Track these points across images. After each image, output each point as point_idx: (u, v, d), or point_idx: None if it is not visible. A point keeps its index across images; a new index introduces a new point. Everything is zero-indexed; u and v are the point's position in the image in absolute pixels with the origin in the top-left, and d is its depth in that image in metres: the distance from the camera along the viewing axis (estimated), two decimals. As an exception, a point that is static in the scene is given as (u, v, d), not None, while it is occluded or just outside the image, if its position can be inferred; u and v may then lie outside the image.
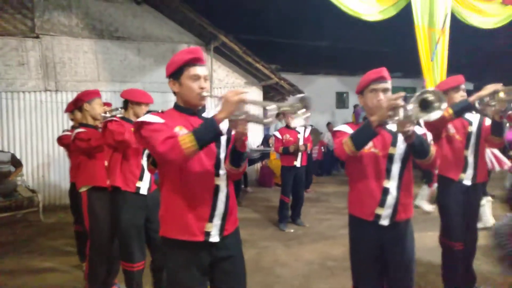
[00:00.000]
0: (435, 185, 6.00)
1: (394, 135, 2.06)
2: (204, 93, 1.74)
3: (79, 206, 3.15)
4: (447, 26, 6.28)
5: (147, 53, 7.66)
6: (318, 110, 11.66)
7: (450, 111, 2.74)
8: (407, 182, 2.09)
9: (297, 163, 5.28)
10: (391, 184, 2.05)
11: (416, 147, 1.94)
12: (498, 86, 2.58)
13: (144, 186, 2.80)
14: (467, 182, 2.91)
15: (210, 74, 8.21)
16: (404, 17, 6.14)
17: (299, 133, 5.36)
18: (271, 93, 9.29)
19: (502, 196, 6.08)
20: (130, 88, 3.18)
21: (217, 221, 1.76)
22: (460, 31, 6.61)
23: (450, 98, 2.84)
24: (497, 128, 2.73)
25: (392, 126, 1.98)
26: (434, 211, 6.04)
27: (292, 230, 5.16)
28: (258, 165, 8.66)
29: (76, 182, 3.17)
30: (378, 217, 2.08)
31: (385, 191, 2.05)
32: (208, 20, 7.46)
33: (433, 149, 2.01)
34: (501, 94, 2.54)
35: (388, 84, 2.03)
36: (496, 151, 4.90)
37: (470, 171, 2.92)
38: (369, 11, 5.72)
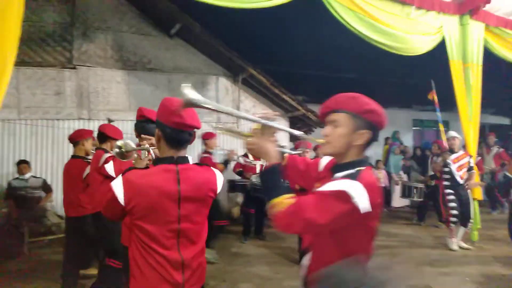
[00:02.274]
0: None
1: None
2: None
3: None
4: (480, 60, 6.19)
5: (176, 84, 7.85)
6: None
7: None
8: None
9: None
10: None
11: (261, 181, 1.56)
12: None
13: None
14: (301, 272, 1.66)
15: (237, 105, 8.31)
16: (435, 49, 6.07)
17: None
18: (298, 124, 9.25)
19: None
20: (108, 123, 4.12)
21: None
22: (496, 65, 6.45)
23: None
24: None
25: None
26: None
27: (318, 269, 4.92)
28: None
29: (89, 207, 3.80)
30: None
31: None
32: (236, 51, 7.63)
33: (280, 200, 1.42)
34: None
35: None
36: None
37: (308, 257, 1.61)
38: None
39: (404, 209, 9.53)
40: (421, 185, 7.95)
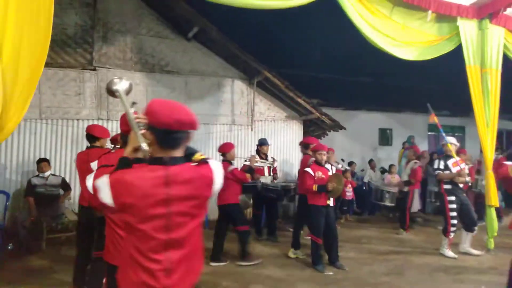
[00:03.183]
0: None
1: None
2: None
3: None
4: (499, 65, 6.11)
5: (193, 86, 7.98)
6: (360, 146, 11.41)
7: None
8: None
9: (330, 202, 5.09)
10: None
11: None
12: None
13: None
14: None
15: (251, 108, 8.37)
16: (452, 55, 6.02)
17: (329, 170, 5.22)
18: (312, 127, 9.26)
19: None
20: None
21: None
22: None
23: None
24: None
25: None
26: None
27: (331, 273, 4.91)
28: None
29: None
30: None
31: None
32: (252, 54, 7.70)
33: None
34: None
35: None
36: None
37: None
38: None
39: (417, 213, 9.39)
40: (394, 190, 7.76)
